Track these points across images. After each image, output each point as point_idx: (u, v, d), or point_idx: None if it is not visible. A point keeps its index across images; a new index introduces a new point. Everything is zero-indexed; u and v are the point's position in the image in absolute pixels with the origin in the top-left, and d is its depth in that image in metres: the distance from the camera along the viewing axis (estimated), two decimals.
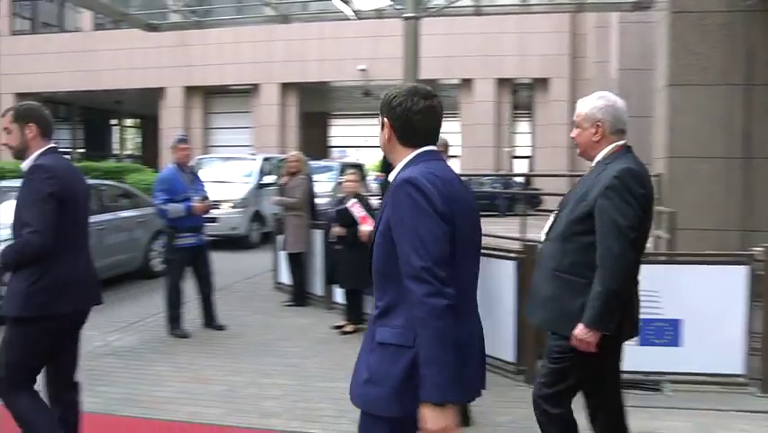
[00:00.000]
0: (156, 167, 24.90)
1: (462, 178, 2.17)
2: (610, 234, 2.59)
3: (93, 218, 8.79)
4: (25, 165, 3.11)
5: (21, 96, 27.88)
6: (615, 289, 2.61)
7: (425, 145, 2.09)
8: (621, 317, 2.71)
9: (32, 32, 29.57)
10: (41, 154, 3.12)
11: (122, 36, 25.82)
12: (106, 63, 27.31)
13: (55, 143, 3.24)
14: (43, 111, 3.21)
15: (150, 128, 33.38)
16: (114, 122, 35.18)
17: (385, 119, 2.10)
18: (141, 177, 18.23)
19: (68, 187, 3.06)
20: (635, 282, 2.82)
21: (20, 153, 3.14)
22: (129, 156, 34.72)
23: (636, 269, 2.75)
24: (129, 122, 36.33)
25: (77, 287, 3.10)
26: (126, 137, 36.23)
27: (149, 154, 32.63)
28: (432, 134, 2.11)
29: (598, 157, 2.83)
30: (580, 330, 2.68)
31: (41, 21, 29.86)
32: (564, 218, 2.81)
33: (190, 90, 27.24)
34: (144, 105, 30.46)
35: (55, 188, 2.98)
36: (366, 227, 5.90)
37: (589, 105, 2.85)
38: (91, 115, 33.26)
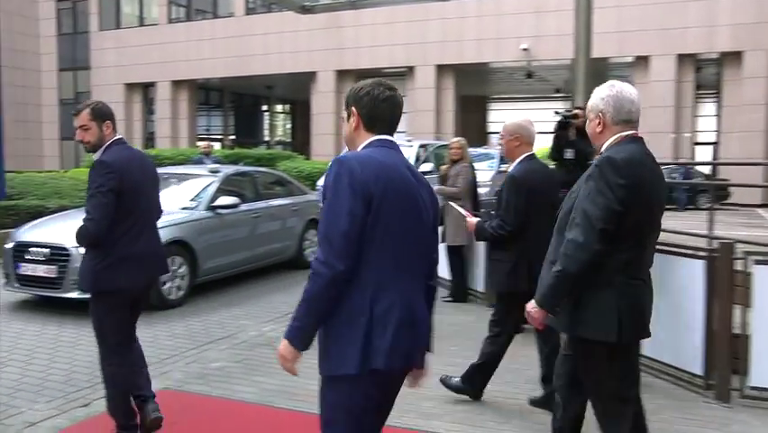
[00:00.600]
0: (306, 153, 25.56)
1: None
2: (580, 224, 2.73)
3: (247, 206, 8.75)
4: (95, 157, 3.77)
5: (176, 83, 30.16)
6: (570, 272, 2.75)
7: (386, 134, 2.45)
8: (623, 317, 2.76)
9: (187, 20, 31.12)
10: (107, 148, 3.76)
11: (273, 20, 26.96)
12: (258, 48, 28.21)
13: (120, 135, 3.88)
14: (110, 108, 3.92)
15: (300, 113, 34.23)
16: (264, 108, 36.30)
17: (353, 108, 2.46)
18: (293, 164, 18.57)
19: (126, 178, 3.69)
20: (635, 277, 2.82)
21: (95, 148, 3.78)
22: (279, 143, 35.55)
23: (603, 259, 2.74)
24: (279, 108, 37.24)
25: (137, 264, 3.75)
26: (276, 123, 37.10)
27: (298, 140, 33.62)
28: (393, 123, 2.47)
29: (603, 148, 2.93)
30: (529, 305, 2.95)
31: (195, 8, 31.34)
32: (562, 210, 2.99)
33: (342, 74, 27.56)
34: (295, 90, 31.16)
35: (113, 182, 3.62)
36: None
37: (595, 95, 2.98)
38: (242, 101, 34.69)
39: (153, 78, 30.96)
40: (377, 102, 2.41)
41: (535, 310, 2.90)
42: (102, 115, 3.80)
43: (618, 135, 2.87)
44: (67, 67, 33.65)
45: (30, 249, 7.19)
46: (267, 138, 35.96)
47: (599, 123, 2.90)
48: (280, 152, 23.95)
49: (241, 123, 34.77)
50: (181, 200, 7.98)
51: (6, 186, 12.76)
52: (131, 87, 31.80)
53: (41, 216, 8.87)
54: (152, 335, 6.06)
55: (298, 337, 2.27)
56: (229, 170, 9.10)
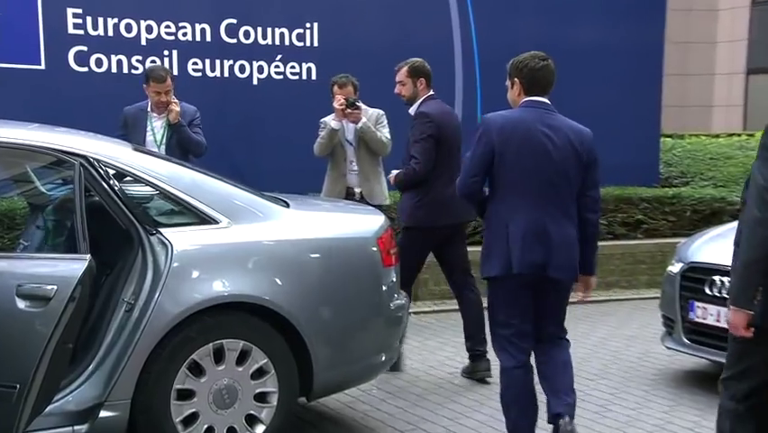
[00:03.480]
0: None
1: None
2: (753, 196, 2.54)
3: None
4: (412, 110, 4.58)
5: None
6: (755, 257, 2.54)
7: (541, 96, 3.30)
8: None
9: None
10: (423, 102, 4.54)
11: None
12: None
13: (433, 92, 4.59)
14: (427, 67, 4.61)
15: None
16: None
17: (515, 79, 3.32)
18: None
19: (442, 129, 4.46)
20: None
21: (410, 102, 4.59)
22: None
23: None
24: None
25: (447, 206, 4.36)
26: None
27: None
28: (546, 86, 3.32)
29: None
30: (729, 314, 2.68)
31: None
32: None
33: None
34: None
35: (432, 130, 4.41)
36: None
37: None
38: None
39: None
40: (534, 72, 3.28)
41: (733, 312, 2.60)
42: (417, 72, 4.57)
43: None
44: None
45: (711, 278, 4.20)
46: None
47: None
48: None
49: None
50: None
51: (662, 163, 8.32)
52: None
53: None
54: None
55: None
56: None
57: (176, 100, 5.06)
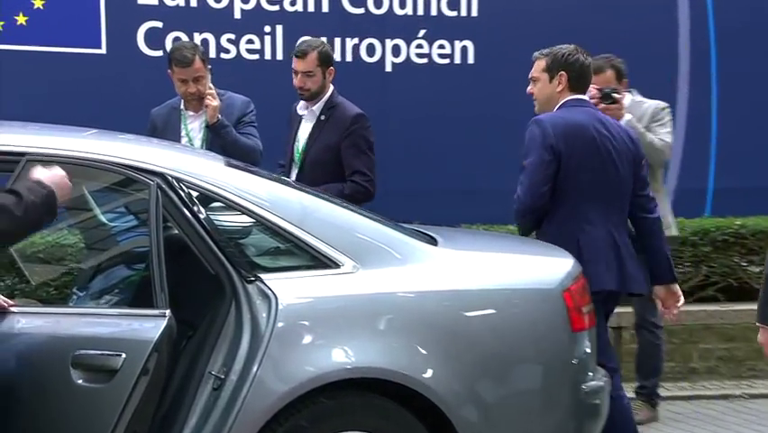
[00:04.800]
0: None
1: None
2: None
3: None
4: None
5: None
6: None
7: (583, 93, 4.29)
8: None
9: None
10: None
11: None
12: None
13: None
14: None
15: None
16: None
17: (562, 73, 4.21)
18: None
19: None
20: None
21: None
22: None
23: None
24: None
25: None
26: None
27: None
28: (588, 84, 4.37)
29: None
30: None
31: None
32: None
33: None
34: None
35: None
36: None
37: None
38: None
39: None
40: (584, 67, 4.24)
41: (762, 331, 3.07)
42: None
43: None
44: None
45: None
46: None
47: None
48: None
49: None
50: None
51: None
52: None
53: None
54: None
55: None
56: None
57: (214, 91, 5.11)
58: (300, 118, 5.23)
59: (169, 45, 6.39)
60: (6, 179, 2.89)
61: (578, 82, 4.26)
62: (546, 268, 3.70)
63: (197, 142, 5.14)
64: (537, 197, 4.05)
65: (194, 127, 5.19)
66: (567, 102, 4.23)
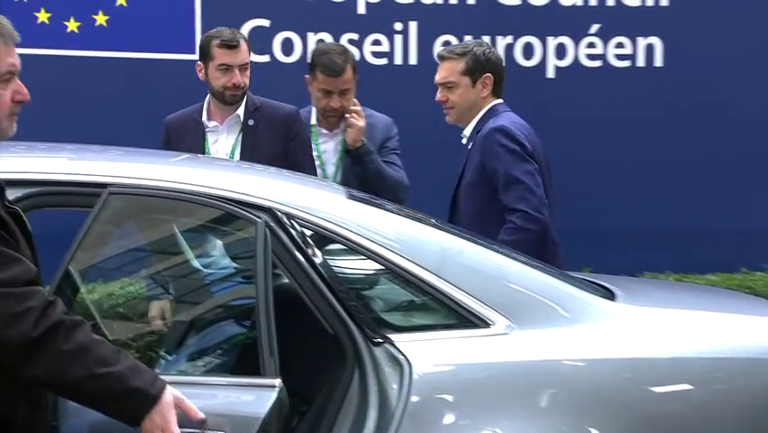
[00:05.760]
0: None
1: None
2: None
3: None
4: None
5: None
6: None
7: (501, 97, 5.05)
8: None
9: None
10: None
11: None
12: None
13: None
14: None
15: None
16: None
17: (488, 75, 4.90)
18: None
19: None
20: None
21: None
22: None
23: None
24: None
25: None
26: None
27: None
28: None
29: None
30: None
31: None
32: None
33: None
34: None
35: None
36: None
37: None
38: None
39: None
40: (501, 64, 5.07)
41: None
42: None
43: None
44: None
45: None
46: None
47: None
48: None
49: None
50: None
51: None
52: None
53: None
54: None
55: None
56: None
57: (359, 107, 5.22)
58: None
59: (277, 47, 6.58)
60: (85, 216, 3.00)
61: (500, 85, 4.97)
62: (762, 330, 3.65)
63: (330, 168, 5.30)
64: (546, 209, 4.75)
65: (327, 149, 5.34)
66: (495, 109, 4.95)
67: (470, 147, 5.01)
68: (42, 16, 6.56)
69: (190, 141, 5.21)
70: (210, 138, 5.30)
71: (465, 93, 4.88)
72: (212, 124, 5.31)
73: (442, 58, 5.04)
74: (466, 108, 4.95)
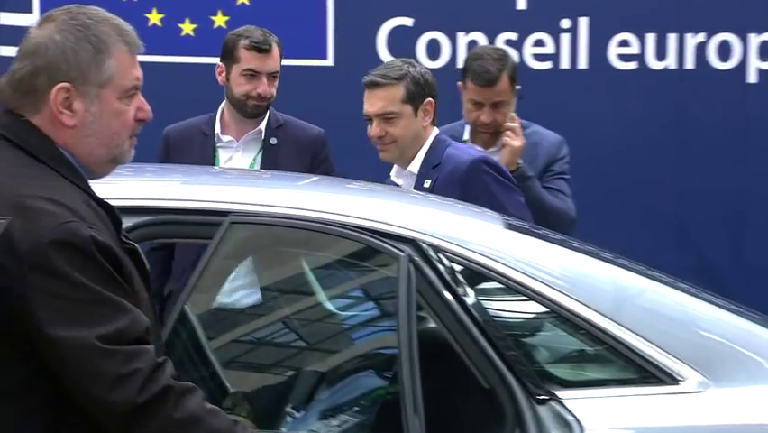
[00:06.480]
0: None
1: None
2: None
3: None
4: None
5: None
6: None
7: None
8: None
9: None
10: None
11: None
12: None
13: None
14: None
15: None
16: None
17: (429, 100, 4.95)
18: None
19: None
20: None
21: None
22: None
23: None
24: None
25: None
26: None
27: None
28: None
29: None
30: None
31: None
32: None
33: None
34: None
35: None
36: None
37: None
38: None
39: None
40: (436, 85, 5.11)
41: None
42: None
43: None
44: None
45: None
46: None
47: None
48: None
49: None
50: None
51: None
52: None
53: None
54: None
55: None
56: None
57: (517, 125, 5.21)
58: None
59: (421, 50, 6.66)
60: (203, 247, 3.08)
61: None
62: None
63: None
64: None
65: None
66: (442, 139, 5.01)
67: (426, 185, 4.88)
68: (154, 18, 6.76)
69: (196, 156, 5.27)
70: (222, 155, 5.38)
71: (408, 124, 4.87)
72: (226, 138, 5.39)
73: (374, 85, 4.96)
74: (409, 141, 4.92)
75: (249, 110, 5.35)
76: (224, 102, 5.53)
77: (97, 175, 2.63)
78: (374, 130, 4.89)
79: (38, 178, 2.44)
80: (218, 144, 5.42)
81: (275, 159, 5.29)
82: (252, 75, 5.29)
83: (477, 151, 4.98)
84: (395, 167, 5.08)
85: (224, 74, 5.42)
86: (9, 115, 2.54)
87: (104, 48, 2.51)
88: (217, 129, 5.43)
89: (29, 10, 6.71)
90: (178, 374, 2.52)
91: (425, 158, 4.92)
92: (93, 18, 2.54)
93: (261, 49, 5.29)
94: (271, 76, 5.33)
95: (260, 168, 5.28)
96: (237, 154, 5.39)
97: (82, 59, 2.48)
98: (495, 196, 4.66)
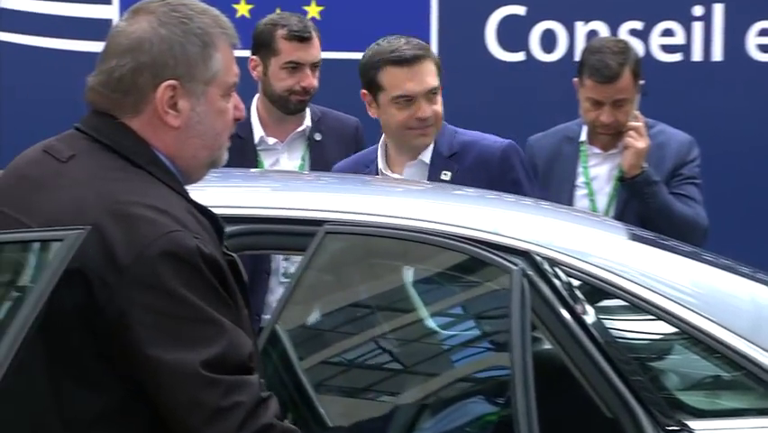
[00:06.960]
0: None
1: None
2: None
3: None
4: None
5: None
6: None
7: None
8: None
9: None
10: None
11: None
12: None
13: None
14: None
15: None
16: None
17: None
18: None
19: None
20: None
21: None
22: None
23: None
24: None
25: None
26: None
27: None
28: None
29: None
30: None
31: None
32: None
33: None
34: None
35: None
36: None
37: None
38: None
39: None
40: None
41: None
42: None
43: None
44: None
45: None
46: None
47: None
48: None
49: None
50: None
51: None
52: None
53: None
54: None
55: None
56: None
57: (641, 125, 5.19)
58: None
59: (535, 42, 6.70)
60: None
61: None
62: None
63: (602, 200, 5.35)
64: None
65: (599, 174, 5.40)
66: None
67: (445, 177, 4.79)
68: (242, 9, 6.85)
69: (235, 165, 5.04)
70: (266, 159, 5.40)
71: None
72: (272, 141, 5.40)
73: (417, 59, 4.83)
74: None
75: (292, 106, 5.39)
76: (257, 98, 5.53)
77: (193, 180, 2.65)
78: (424, 110, 4.78)
79: (136, 182, 2.44)
80: (259, 148, 5.44)
81: (323, 155, 5.35)
82: (295, 67, 5.31)
83: (494, 136, 5.00)
84: (392, 157, 4.95)
85: (259, 68, 5.42)
86: (100, 117, 2.55)
87: (209, 42, 2.53)
88: (259, 131, 5.45)
89: None
90: (282, 414, 2.51)
91: (434, 146, 4.89)
92: (194, 9, 2.56)
93: (303, 38, 5.31)
94: (314, 66, 5.35)
95: (311, 168, 5.34)
96: (283, 157, 5.45)
97: (190, 55, 2.50)
98: (522, 185, 4.68)
